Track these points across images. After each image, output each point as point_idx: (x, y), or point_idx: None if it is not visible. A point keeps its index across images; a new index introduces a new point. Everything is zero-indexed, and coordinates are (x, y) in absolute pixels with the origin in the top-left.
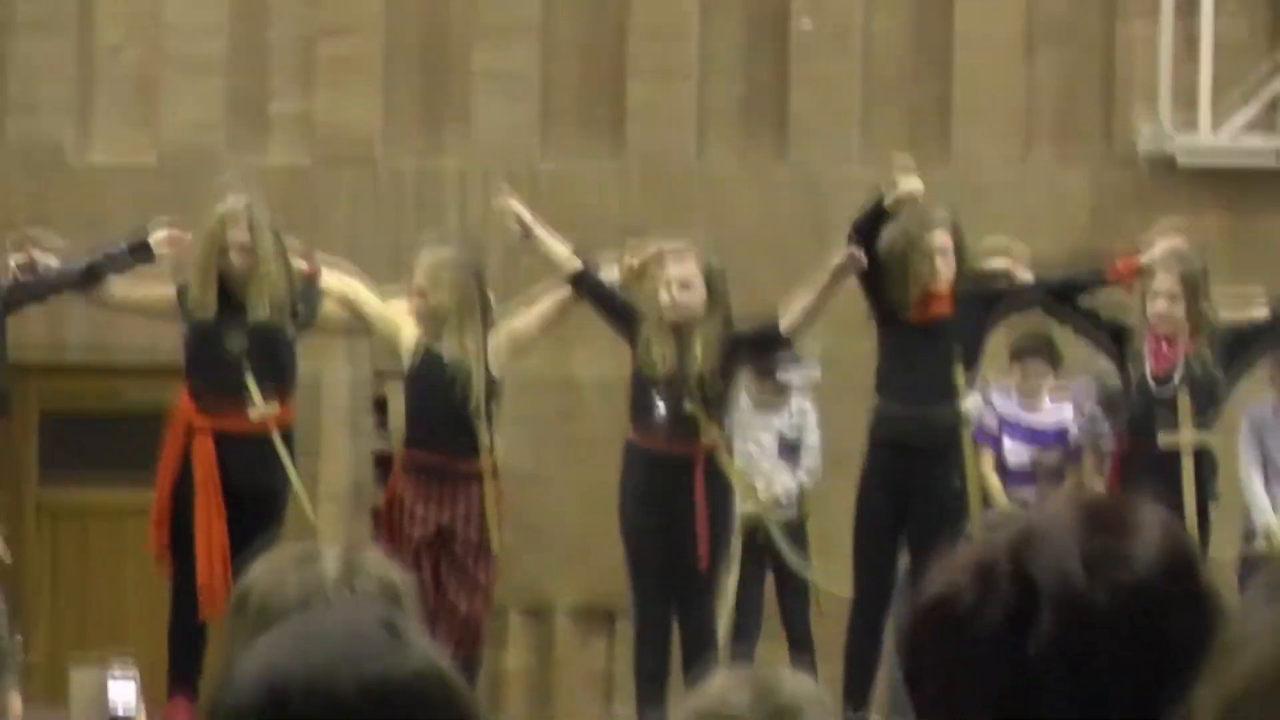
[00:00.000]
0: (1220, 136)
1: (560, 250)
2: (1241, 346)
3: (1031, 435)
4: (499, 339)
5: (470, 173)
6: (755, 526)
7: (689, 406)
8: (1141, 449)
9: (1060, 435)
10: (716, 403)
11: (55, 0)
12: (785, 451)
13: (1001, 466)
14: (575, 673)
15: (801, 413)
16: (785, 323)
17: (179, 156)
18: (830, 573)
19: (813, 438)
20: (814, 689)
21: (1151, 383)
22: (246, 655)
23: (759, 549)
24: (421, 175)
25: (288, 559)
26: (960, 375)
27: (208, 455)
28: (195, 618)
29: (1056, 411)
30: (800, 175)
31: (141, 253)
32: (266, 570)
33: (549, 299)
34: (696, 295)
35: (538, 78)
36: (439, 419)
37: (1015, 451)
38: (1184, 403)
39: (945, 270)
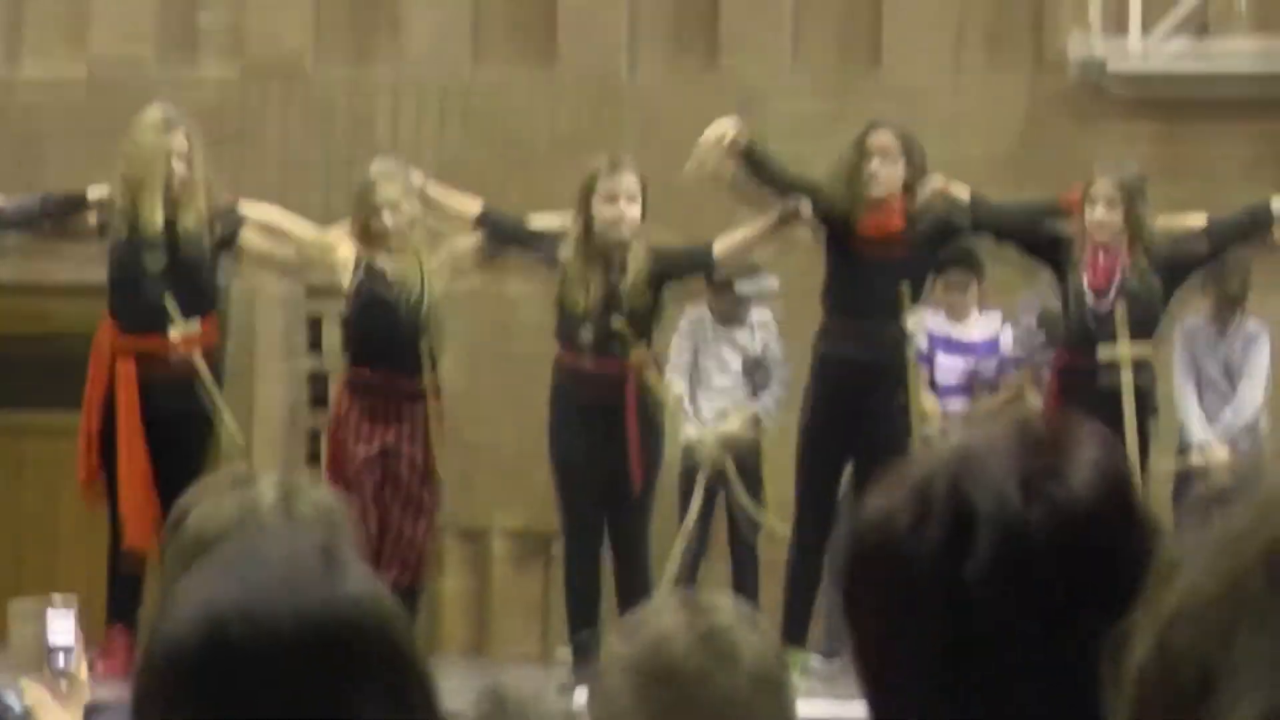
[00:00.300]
0: (1152, 41)
1: (459, 200)
2: (1179, 257)
3: (962, 348)
4: (440, 257)
5: (401, 84)
6: (702, 455)
7: (616, 323)
8: (1080, 362)
9: (991, 345)
10: (644, 320)
11: None
12: (749, 367)
13: (934, 384)
14: (512, 597)
15: (763, 325)
16: (719, 249)
17: (107, 69)
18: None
19: (778, 363)
20: (750, 614)
21: (1089, 295)
22: (184, 584)
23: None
24: (353, 86)
25: (223, 484)
26: (906, 292)
27: (129, 379)
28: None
29: (985, 323)
30: (731, 83)
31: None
32: (202, 495)
33: (455, 206)
34: (636, 211)
35: None
36: (384, 337)
37: (947, 367)
38: (1121, 315)
39: (884, 172)
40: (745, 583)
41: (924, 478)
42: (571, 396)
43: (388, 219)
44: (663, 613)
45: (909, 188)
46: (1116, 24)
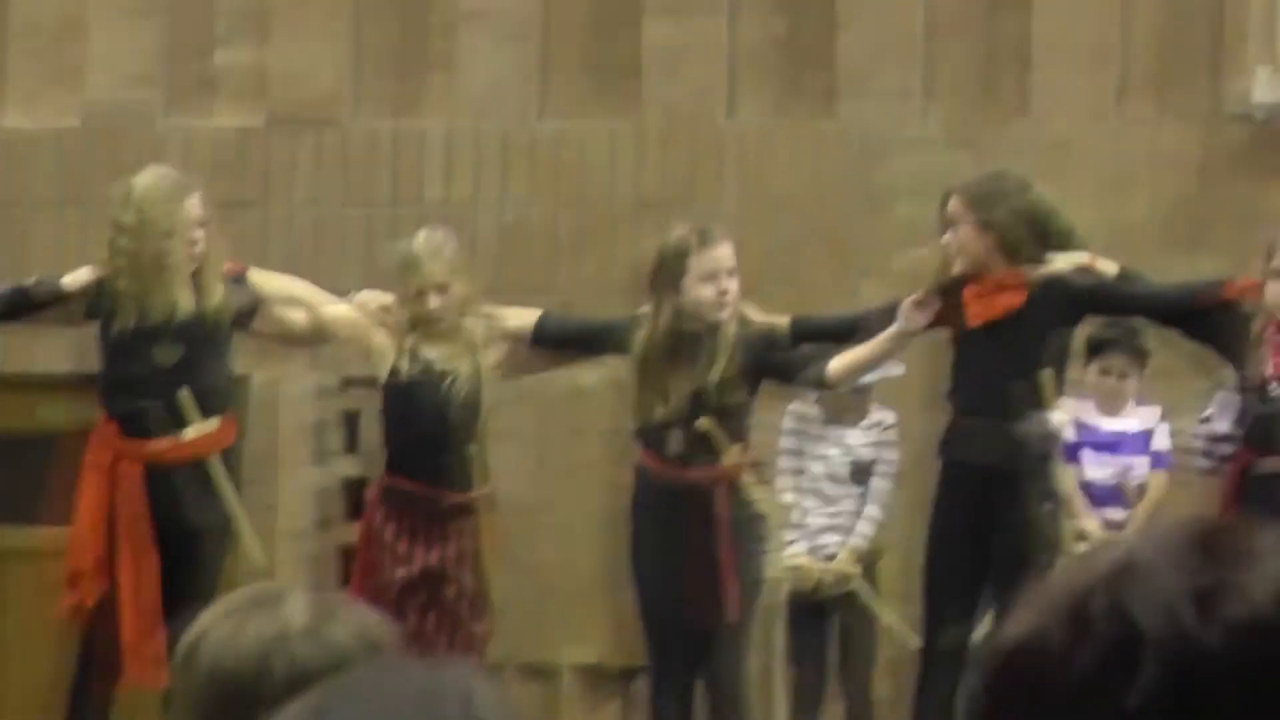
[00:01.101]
0: None
1: (514, 315)
2: None
3: (1113, 444)
4: (495, 350)
5: (456, 134)
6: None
7: (703, 423)
8: (1264, 464)
9: (1143, 439)
10: (738, 418)
11: None
12: (858, 474)
13: (1082, 484)
14: None
15: (881, 426)
16: (835, 369)
17: (106, 117)
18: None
19: (885, 476)
20: None
21: (1275, 385)
22: (290, 712)
23: (820, 599)
24: (397, 137)
25: (243, 603)
26: (1047, 379)
27: (136, 490)
28: (106, 685)
29: (1142, 417)
30: (850, 131)
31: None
32: (219, 618)
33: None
34: (736, 288)
35: (536, 18)
36: (427, 439)
37: (1096, 465)
38: None
39: (957, 242)
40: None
41: (1079, 593)
42: (656, 510)
43: (434, 302)
44: None
45: (1010, 255)
46: None
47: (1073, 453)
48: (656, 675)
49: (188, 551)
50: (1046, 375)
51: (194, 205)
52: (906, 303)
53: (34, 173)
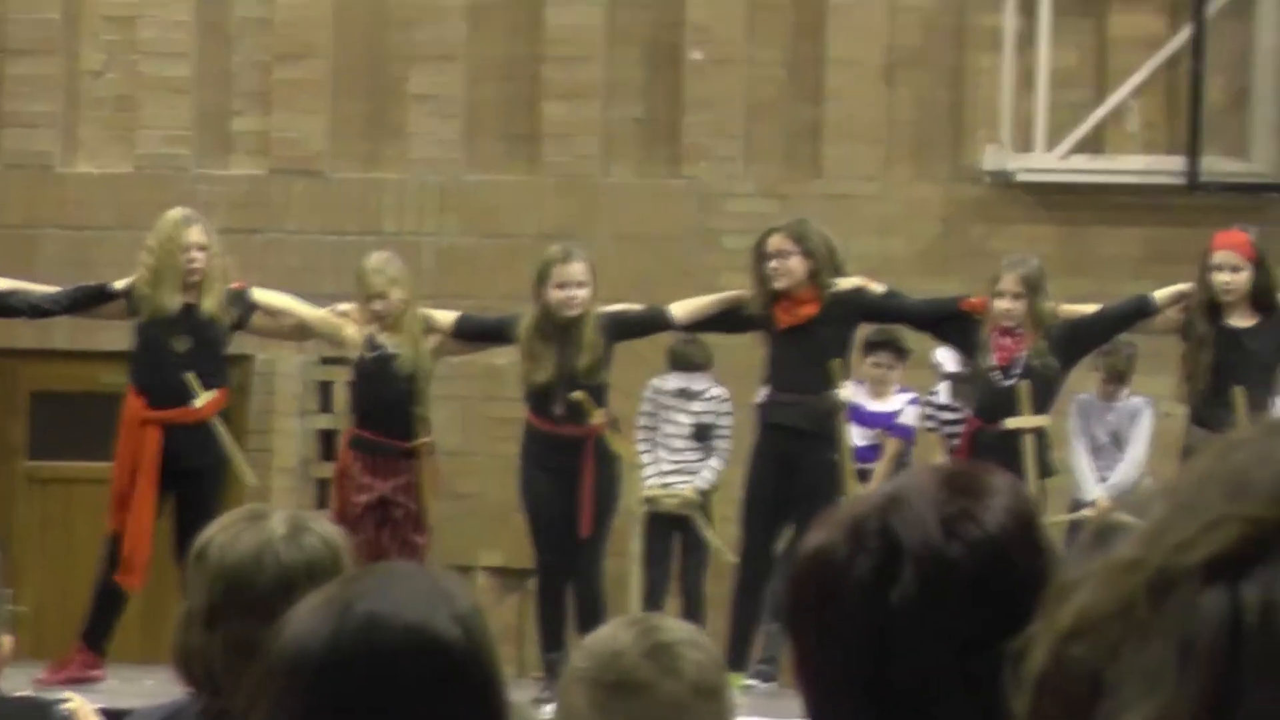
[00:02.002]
0: (1053, 157)
1: (441, 315)
2: (1074, 340)
3: (870, 418)
4: (433, 340)
5: (406, 183)
6: (667, 508)
7: (577, 395)
8: (988, 428)
9: (892, 416)
10: (601, 389)
11: (45, 26)
12: (699, 433)
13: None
14: (493, 624)
15: (717, 398)
16: (678, 312)
17: (153, 167)
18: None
19: (723, 437)
20: (693, 632)
21: (997, 374)
22: (309, 603)
23: (666, 521)
24: (364, 185)
25: (240, 518)
26: (836, 367)
27: (154, 447)
28: (119, 583)
29: (897, 401)
30: (692, 187)
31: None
32: (221, 528)
33: (443, 322)
34: (587, 294)
35: (464, 99)
36: (384, 404)
37: (857, 434)
38: (1024, 391)
39: (784, 269)
40: (695, 615)
41: (858, 516)
42: (538, 456)
43: (379, 305)
44: (616, 631)
45: (815, 276)
46: (1024, 142)
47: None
48: (542, 575)
49: (198, 484)
50: (835, 364)
51: (194, 233)
52: (738, 292)
53: (97, 207)
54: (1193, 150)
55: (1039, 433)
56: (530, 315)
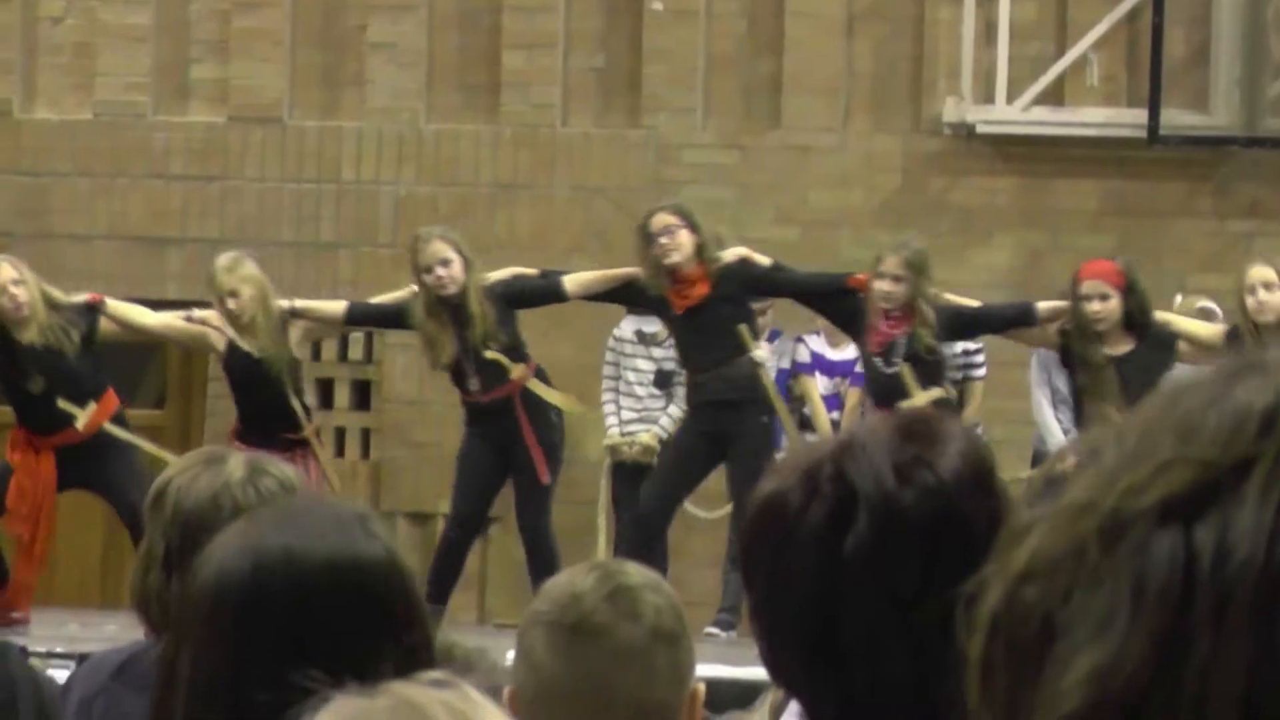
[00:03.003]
0: (1014, 109)
1: (327, 306)
2: (950, 330)
3: (830, 367)
4: (296, 331)
5: (365, 132)
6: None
7: (490, 354)
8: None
9: (852, 364)
10: (513, 345)
11: None
12: (660, 380)
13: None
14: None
15: None
16: (571, 285)
17: (112, 114)
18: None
19: (682, 384)
20: (654, 577)
21: (877, 361)
22: (230, 532)
23: (631, 469)
24: (322, 134)
25: (198, 461)
26: (743, 334)
27: (49, 471)
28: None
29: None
30: (650, 138)
31: None
32: (179, 471)
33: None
34: (456, 270)
35: (423, 48)
36: (262, 405)
37: (820, 382)
38: (908, 375)
39: (674, 244)
40: (657, 564)
41: (813, 463)
42: (473, 425)
43: (231, 304)
44: (576, 576)
45: (701, 251)
46: (985, 94)
47: (810, 369)
48: (450, 527)
49: (106, 468)
50: (742, 329)
51: (3, 271)
52: (634, 270)
53: (55, 153)
54: (1153, 103)
55: (940, 404)
56: (419, 302)
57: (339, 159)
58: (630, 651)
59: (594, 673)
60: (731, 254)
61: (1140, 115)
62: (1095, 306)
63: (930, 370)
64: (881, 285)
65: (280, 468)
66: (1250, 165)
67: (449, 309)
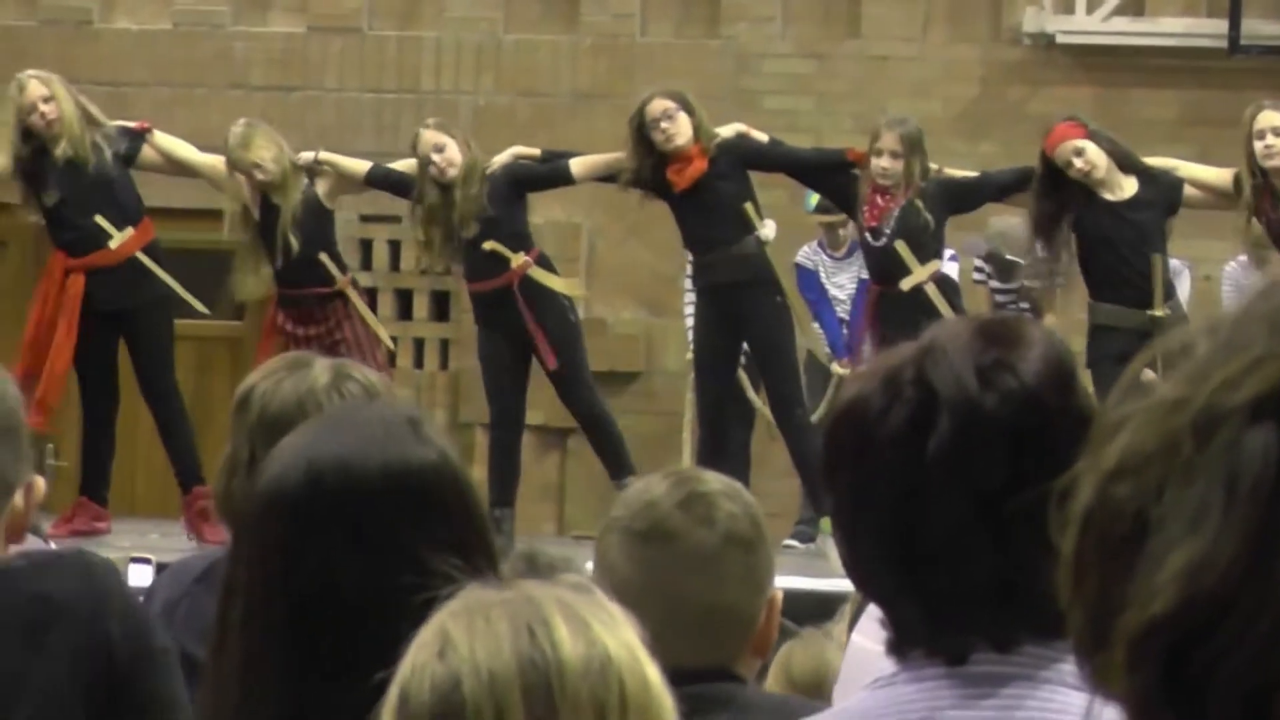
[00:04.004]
0: (1093, 19)
1: (350, 162)
2: (949, 199)
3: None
4: (323, 184)
5: (444, 42)
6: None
7: (488, 245)
8: (888, 291)
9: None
10: (517, 235)
11: None
12: None
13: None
14: (532, 482)
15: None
16: (576, 168)
17: (190, 23)
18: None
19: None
20: (731, 484)
21: (868, 236)
22: (288, 441)
23: None
24: (401, 44)
25: (282, 366)
26: (750, 210)
27: (76, 290)
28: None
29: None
30: (730, 48)
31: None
32: (264, 375)
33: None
34: (448, 155)
35: None
36: (287, 259)
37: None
38: (904, 250)
39: (676, 128)
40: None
41: (894, 367)
42: (482, 317)
43: (261, 176)
44: (652, 483)
45: (697, 131)
46: (1064, 3)
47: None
48: (492, 429)
49: (134, 324)
50: (748, 207)
51: (32, 89)
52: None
53: (134, 64)
54: (1233, 13)
55: (941, 280)
56: (418, 193)
57: (418, 69)
58: (701, 556)
59: (664, 577)
60: (729, 129)
61: (1220, 25)
62: (1079, 163)
63: (925, 244)
64: (879, 162)
65: (364, 372)
66: None
67: (445, 197)
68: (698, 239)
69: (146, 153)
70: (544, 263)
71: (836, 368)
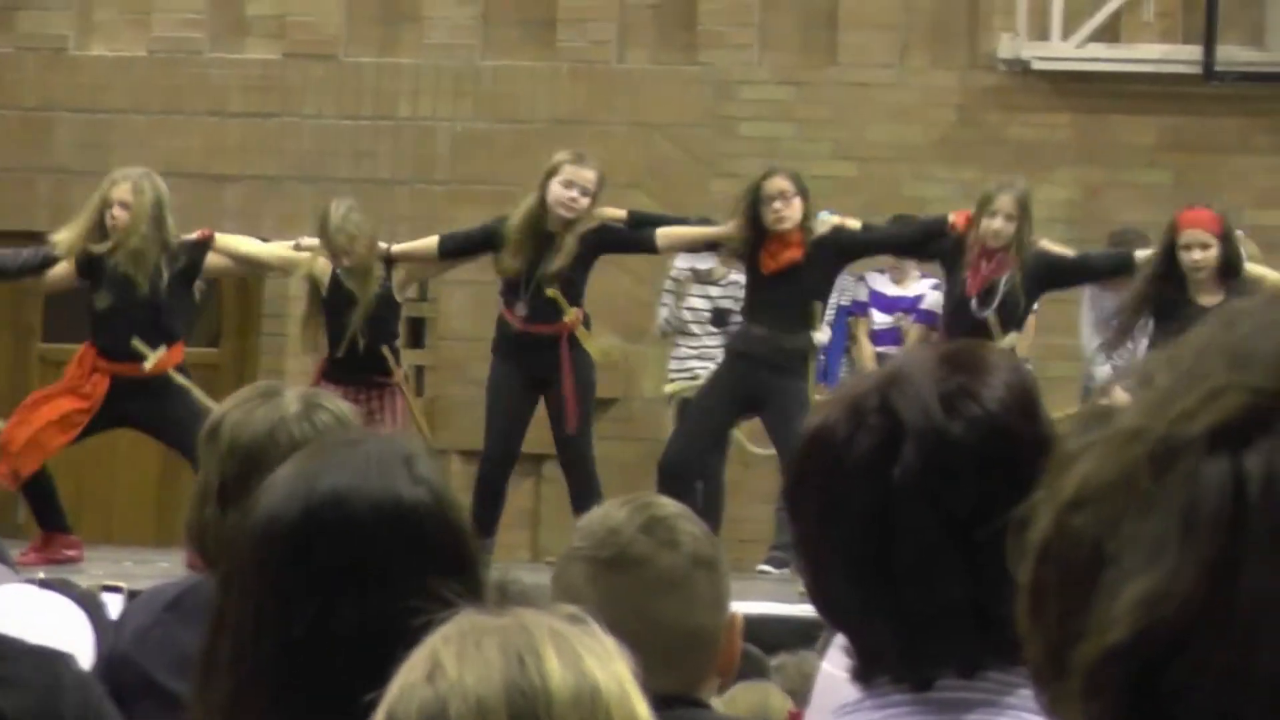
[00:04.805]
0: (1069, 45)
1: (420, 245)
2: (1048, 278)
3: (891, 303)
4: (399, 274)
5: (422, 69)
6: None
7: (550, 292)
8: None
9: (915, 301)
10: (577, 288)
11: None
12: (717, 318)
13: (872, 334)
14: (507, 509)
15: (737, 284)
16: (661, 241)
17: (167, 50)
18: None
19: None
20: (684, 508)
21: (973, 301)
22: (281, 474)
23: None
24: (379, 70)
25: (254, 395)
26: (815, 311)
27: (100, 392)
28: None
29: (920, 286)
30: (707, 74)
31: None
32: (234, 405)
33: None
34: (585, 202)
35: None
36: (348, 338)
37: (878, 319)
38: (994, 323)
39: (789, 212)
40: (712, 501)
41: (859, 394)
42: (506, 352)
43: (347, 261)
44: (611, 510)
45: (804, 219)
46: (1040, 30)
47: (864, 309)
48: (485, 465)
49: (174, 422)
50: (816, 306)
51: (119, 190)
52: (733, 224)
53: (111, 91)
54: (1209, 39)
55: (924, 314)
56: (526, 206)
57: (396, 95)
58: (670, 580)
59: (635, 603)
60: (825, 225)
61: (1196, 51)
62: (1196, 255)
63: (1012, 316)
64: (993, 224)
65: (335, 402)
66: None
67: (547, 230)
68: (761, 317)
69: (210, 261)
70: (586, 322)
71: (816, 396)
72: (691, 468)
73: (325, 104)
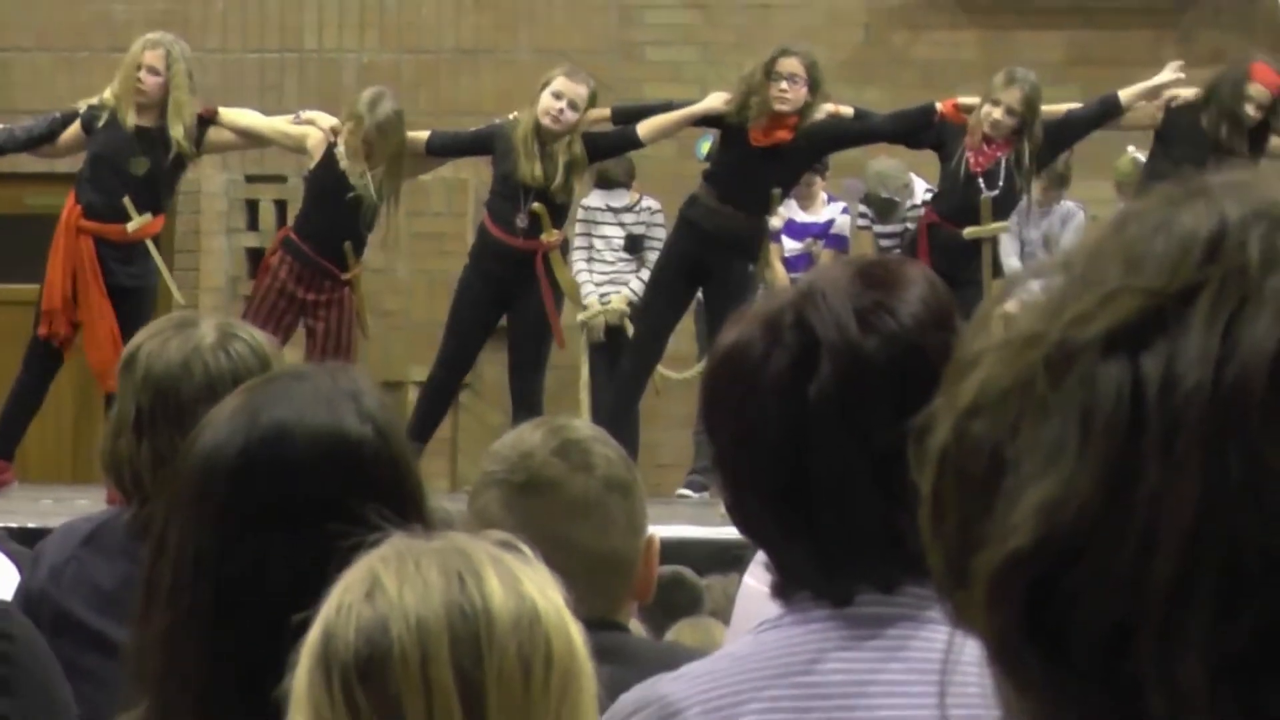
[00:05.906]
0: None
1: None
2: (1047, 146)
3: (801, 229)
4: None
5: (326, 1)
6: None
7: (536, 207)
8: (945, 230)
9: (825, 226)
10: (562, 209)
11: None
12: (631, 244)
13: (784, 260)
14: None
15: (649, 209)
16: (644, 131)
17: None
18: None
19: (655, 248)
20: (600, 431)
21: (979, 180)
22: (223, 406)
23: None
24: (284, 3)
25: (169, 325)
26: (776, 197)
27: (90, 253)
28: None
29: (830, 210)
30: (612, 0)
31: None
32: (150, 335)
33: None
34: (573, 116)
35: None
36: (324, 223)
37: (789, 244)
38: (987, 205)
39: (792, 94)
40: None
41: (774, 311)
42: (489, 263)
43: (374, 141)
44: (524, 433)
45: (804, 109)
46: None
47: (776, 236)
48: (440, 370)
49: (129, 303)
50: (777, 193)
51: (149, 55)
52: (717, 96)
53: (16, 28)
54: None
55: (995, 238)
56: (526, 119)
57: (300, 28)
58: (584, 503)
59: (549, 526)
60: (822, 110)
61: None
62: (1253, 112)
63: (1008, 201)
64: (994, 113)
65: (251, 332)
66: (1212, 13)
67: (542, 146)
68: (730, 190)
69: (212, 135)
70: (563, 248)
71: None
72: (657, 354)
73: (230, 38)
